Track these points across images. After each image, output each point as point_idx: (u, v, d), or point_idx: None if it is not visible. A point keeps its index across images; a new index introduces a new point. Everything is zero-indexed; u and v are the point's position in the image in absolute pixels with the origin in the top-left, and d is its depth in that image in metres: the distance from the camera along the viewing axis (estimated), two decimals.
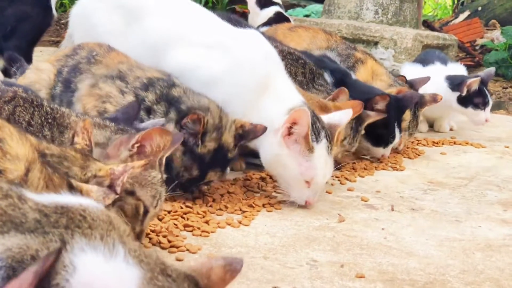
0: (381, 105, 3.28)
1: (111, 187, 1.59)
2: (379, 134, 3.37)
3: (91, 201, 1.32)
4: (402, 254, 2.17)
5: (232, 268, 1.22)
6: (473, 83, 4.10)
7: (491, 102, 4.21)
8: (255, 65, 2.63)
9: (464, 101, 4.15)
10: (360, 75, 3.73)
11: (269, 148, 2.54)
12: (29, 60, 3.62)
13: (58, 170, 1.55)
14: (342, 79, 3.43)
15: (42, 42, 4.92)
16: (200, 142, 2.36)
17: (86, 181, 1.59)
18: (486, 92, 4.17)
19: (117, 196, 1.59)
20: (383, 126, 3.33)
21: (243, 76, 2.60)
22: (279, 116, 2.52)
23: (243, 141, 2.49)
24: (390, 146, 3.43)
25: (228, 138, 2.43)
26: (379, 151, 3.42)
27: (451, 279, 2.00)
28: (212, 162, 2.41)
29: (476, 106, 4.16)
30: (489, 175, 3.35)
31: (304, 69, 3.27)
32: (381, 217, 2.54)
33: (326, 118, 2.65)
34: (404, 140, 3.61)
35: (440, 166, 3.49)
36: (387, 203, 2.72)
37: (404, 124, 3.56)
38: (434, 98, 3.65)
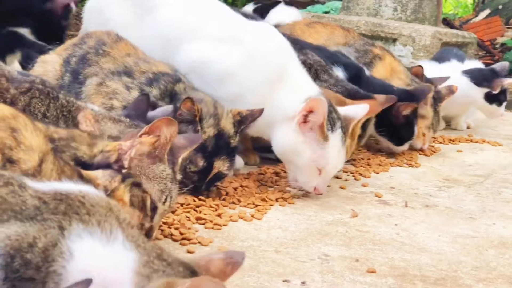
0: (407, 111, 3.32)
1: (118, 161, 1.60)
2: (403, 135, 3.40)
3: (91, 188, 1.33)
4: (414, 250, 2.16)
5: (233, 261, 1.22)
6: (508, 84, 4.12)
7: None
8: (268, 57, 2.64)
9: (491, 98, 4.14)
10: (378, 71, 3.71)
11: (284, 135, 2.56)
12: None
13: (66, 153, 1.57)
14: (356, 74, 3.43)
15: None
16: (199, 128, 2.36)
17: (93, 157, 1.60)
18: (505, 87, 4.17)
19: (125, 171, 1.59)
20: (407, 127, 3.36)
21: (257, 69, 2.60)
22: (296, 104, 2.53)
23: (243, 126, 2.49)
24: (409, 142, 3.47)
25: (227, 125, 2.44)
26: (401, 148, 3.48)
27: (463, 276, 1.99)
28: (215, 150, 2.41)
29: (500, 103, 4.15)
30: (505, 173, 3.33)
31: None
32: (395, 213, 2.53)
33: (342, 110, 2.66)
34: (428, 138, 3.61)
35: (456, 163, 3.48)
36: (401, 199, 2.71)
37: (428, 121, 3.56)
38: (451, 90, 3.64)
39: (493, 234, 2.38)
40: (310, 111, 2.48)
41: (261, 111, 2.49)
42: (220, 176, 2.49)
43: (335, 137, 2.54)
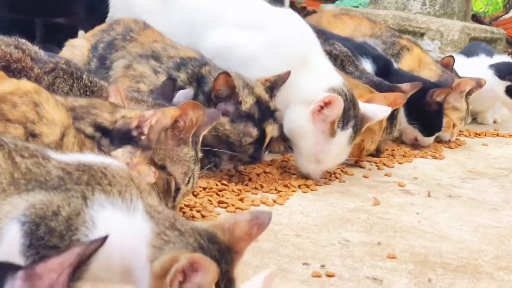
0: (441, 97, 3.30)
1: (138, 127, 1.61)
2: (434, 124, 3.37)
3: (113, 160, 1.35)
4: (435, 238, 2.16)
5: (259, 222, 1.22)
6: None
7: None
8: (291, 44, 2.65)
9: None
10: (406, 62, 3.71)
11: (297, 117, 2.58)
12: None
13: (86, 119, 1.59)
14: (384, 67, 3.42)
15: None
16: (241, 99, 2.38)
17: (114, 123, 1.62)
18: None
19: (144, 143, 1.61)
20: (437, 116, 3.34)
21: (280, 55, 2.62)
22: (316, 90, 2.54)
23: (275, 90, 2.52)
24: (436, 134, 3.47)
25: (261, 91, 2.47)
26: (429, 140, 3.45)
27: (484, 264, 1.98)
28: (261, 115, 2.43)
29: None
30: None
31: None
32: (417, 202, 2.53)
33: (363, 107, 2.65)
34: (457, 131, 3.61)
35: (481, 156, 3.46)
36: (424, 189, 2.70)
37: (461, 114, 3.56)
38: (479, 83, 3.62)
39: None
40: (328, 105, 2.48)
41: (288, 73, 2.52)
42: (271, 141, 2.53)
43: (343, 135, 2.55)
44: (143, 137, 1.62)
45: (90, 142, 1.54)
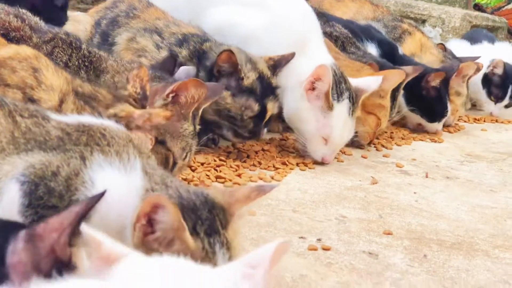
0: (436, 82, 3.29)
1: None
2: (435, 109, 3.36)
3: (113, 122, 1.36)
4: (432, 216, 2.17)
5: (260, 189, 1.23)
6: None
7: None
8: (292, 24, 2.65)
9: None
10: (408, 46, 3.70)
11: (292, 100, 2.57)
12: None
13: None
14: (389, 52, 3.41)
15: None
16: (243, 75, 2.38)
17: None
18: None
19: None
20: (439, 101, 3.33)
21: (280, 34, 2.62)
22: (307, 70, 2.53)
23: (278, 69, 2.51)
24: (444, 120, 3.43)
25: (264, 68, 2.46)
26: (434, 126, 3.42)
27: (479, 242, 1.99)
28: (263, 91, 2.43)
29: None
30: None
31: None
32: (415, 182, 2.54)
33: (354, 82, 2.65)
34: (457, 115, 3.61)
35: (480, 141, 3.46)
36: (422, 170, 2.71)
37: (463, 99, 3.56)
38: (477, 67, 3.61)
39: None
40: (318, 79, 2.48)
41: (292, 54, 2.52)
42: (271, 118, 2.52)
43: (341, 107, 2.55)
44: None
45: (89, 108, 1.54)
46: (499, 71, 3.98)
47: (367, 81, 2.69)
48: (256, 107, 2.41)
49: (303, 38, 2.64)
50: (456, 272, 1.74)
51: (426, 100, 3.33)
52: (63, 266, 0.97)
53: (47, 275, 0.93)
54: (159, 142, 1.87)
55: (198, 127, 2.02)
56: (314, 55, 2.61)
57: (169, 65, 2.27)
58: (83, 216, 0.99)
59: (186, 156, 1.95)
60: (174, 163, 1.92)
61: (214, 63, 2.39)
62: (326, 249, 1.79)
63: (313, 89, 2.51)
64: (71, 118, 1.31)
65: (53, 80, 1.53)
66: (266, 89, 2.45)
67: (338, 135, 2.56)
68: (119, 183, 1.18)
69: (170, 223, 1.11)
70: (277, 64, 2.52)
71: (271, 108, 2.46)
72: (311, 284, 1.58)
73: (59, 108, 1.51)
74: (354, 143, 2.83)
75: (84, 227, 0.93)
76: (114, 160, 1.20)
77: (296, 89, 2.54)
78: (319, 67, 2.48)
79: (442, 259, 1.82)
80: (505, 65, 3.98)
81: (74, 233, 0.98)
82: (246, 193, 1.22)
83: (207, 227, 1.17)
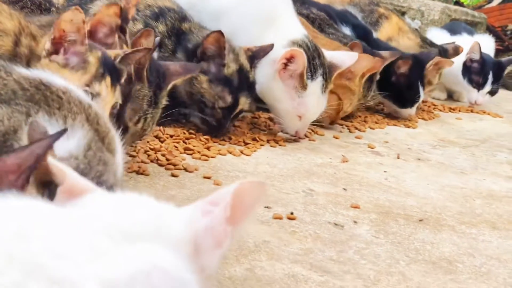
0: (404, 69, 3.27)
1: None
2: (405, 96, 3.34)
3: (79, 88, 1.33)
4: (400, 194, 2.15)
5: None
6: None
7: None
8: (260, 1, 2.62)
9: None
10: (385, 30, 3.70)
11: (265, 79, 2.53)
12: None
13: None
14: (364, 36, 3.40)
15: None
16: (226, 62, 2.35)
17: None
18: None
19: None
20: (408, 87, 3.31)
21: (250, 9, 2.59)
22: (279, 47, 2.50)
23: (256, 61, 2.47)
24: (416, 105, 3.43)
25: (244, 60, 2.43)
26: (407, 111, 3.41)
27: (447, 218, 1.97)
28: (239, 84, 2.40)
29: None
30: (502, 140, 3.31)
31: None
32: (386, 162, 2.52)
33: (329, 55, 2.62)
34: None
35: (454, 128, 3.46)
36: (394, 152, 2.70)
37: (433, 87, 3.57)
38: (456, 51, 3.62)
39: (482, 187, 2.37)
40: (290, 60, 2.46)
41: (271, 46, 2.48)
42: (240, 114, 2.49)
43: (315, 85, 2.53)
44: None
45: (42, 32, 1.49)
46: (476, 56, 3.98)
47: (342, 56, 2.67)
48: (229, 99, 2.38)
49: (273, 13, 2.61)
50: (421, 244, 1.73)
51: (396, 87, 3.32)
52: None
53: None
54: None
55: (165, 99, 1.99)
56: (285, 30, 2.59)
57: None
58: (43, 157, 0.96)
59: (138, 121, 1.90)
60: (126, 128, 1.87)
61: (198, 45, 2.36)
62: (291, 218, 1.77)
63: (285, 68, 2.48)
64: (36, 75, 1.27)
65: (6, 24, 1.49)
66: (243, 83, 2.41)
67: (312, 112, 2.57)
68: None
69: None
70: (255, 55, 2.47)
71: (243, 103, 2.43)
72: (274, 249, 1.55)
73: (14, 51, 1.47)
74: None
75: (50, 160, 0.90)
76: (56, 123, 1.17)
77: (268, 66, 2.51)
78: (292, 51, 2.46)
79: (408, 232, 1.81)
80: (482, 52, 3.98)
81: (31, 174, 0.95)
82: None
83: None
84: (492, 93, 4.07)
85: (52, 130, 1.16)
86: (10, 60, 1.39)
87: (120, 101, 1.61)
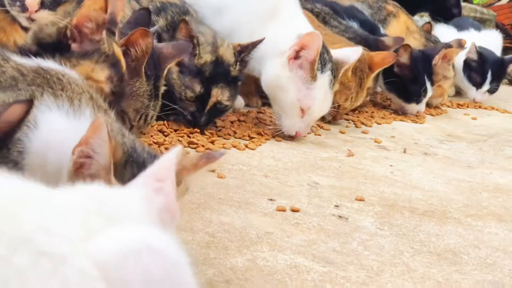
0: (405, 57, 3.24)
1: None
2: (410, 90, 3.32)
3: (74, 72, 1.33)
4: (406, 187, 2.14)
5: (209, 156, 1.17)
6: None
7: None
8: None
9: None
10: (393, 29, 3.68)
11: (272, 69, 2.47)
12: None
13: None
14: (371, 32, 3.38)
15: None
16: (197, 52, 2.33)
17: None
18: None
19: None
20: (413, 81, 3.29)
21: (250, 3, 2.57)
22: (288, 39, 2.45)
23: (243, 54, 2.43)
24: (424, 101, 3.39)
25: (227, 53, 2.39)
26: (414, 107, 3.37)
27: (453, 211, 1.96)
28: (213, 76, 2.36)
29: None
30: (510, 135, 3.28)
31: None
32: (392, 156, 2.51)
33: (333, 53, 2.59)
34: (446, 96, 3.61)
35: (461, 124, 3.44)
36: (400, 146, 2.68)
37: (451, 81, 3.56)
38: (460, 44, 3.60)
39: (489, 181, 2.35)
40: (303, 48, 2.41)
41: (260, 40, 2.44)
42: (220, 109, 2.43)
43: (324, 78, 2.47)
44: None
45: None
46: (473, 56, 3.95)
47: (347, 53, 2.63)
48: (198, 88, 2.34)
49: (274, 8, 2.59)
50: (426, 236, 1.71)
51: (400, 79, 3.29)
52: None
53: None
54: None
55: (163, 88, 1.97)
56: (291, 23, 2.57)
57: (143, 20, 2.21)
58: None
59: (141, 118, 1.89)
60: (130, 127, 1.85)
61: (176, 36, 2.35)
62: (295, 210, 1.76)
63: (296, 58, 2.44)
64: (32, 61, 1.28)
65: None
66: (219, 76, 2.37)
67: (318, 107, 2.48)
68: (64, 127, 1.15)
69: (100, 147, 1.06)
70: (244, 49, 2.43)
71: (216, 95, 2.37)
72: (276, 241, 1.54)
73: None
74: None
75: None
76: (64, 104, 1.17)
77: (275, 58, 2.46)
78: (308, 35, 2.39)
79: (413, 224, 1.79)
80: (481, 49, 3.96)
81: None
82: (194, 160, 1.16)
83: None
84: (490, 91, 4.04)
85: (59, 111, 1.17)
86: (5, 48, 1.39)
87: None
